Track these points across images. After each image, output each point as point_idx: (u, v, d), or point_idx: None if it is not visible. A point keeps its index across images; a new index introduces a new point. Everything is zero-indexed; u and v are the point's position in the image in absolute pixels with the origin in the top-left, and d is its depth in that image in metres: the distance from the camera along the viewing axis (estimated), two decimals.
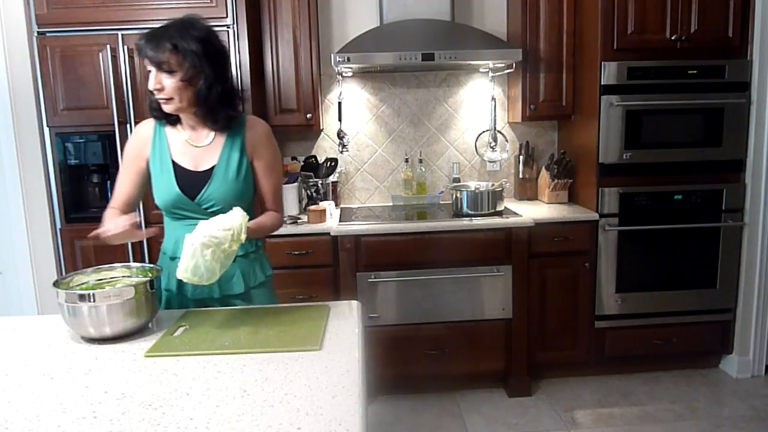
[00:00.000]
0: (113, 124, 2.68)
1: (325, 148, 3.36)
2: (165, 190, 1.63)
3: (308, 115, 3.00)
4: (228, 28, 2.66)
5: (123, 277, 1.55)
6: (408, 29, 2.90)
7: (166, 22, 1.56)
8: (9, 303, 2.87)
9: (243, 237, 1.43)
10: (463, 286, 2.81)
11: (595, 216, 2.89)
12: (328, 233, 2.76)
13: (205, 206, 1.63)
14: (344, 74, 3.24)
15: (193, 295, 1.67)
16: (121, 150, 2.68)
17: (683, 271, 2.96)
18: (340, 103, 3.20)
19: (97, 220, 2.89)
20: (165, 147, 1.65)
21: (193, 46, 1.51)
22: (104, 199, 2.82)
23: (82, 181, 2.80)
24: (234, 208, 1.48)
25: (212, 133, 1.65)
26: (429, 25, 2.94)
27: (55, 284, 1.41)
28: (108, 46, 2.63)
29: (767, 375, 3.04)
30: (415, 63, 2.77)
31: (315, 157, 3.24)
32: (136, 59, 2.67)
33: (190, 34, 1.52)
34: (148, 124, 1.70)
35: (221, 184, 1.63)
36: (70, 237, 2.76)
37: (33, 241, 2.79)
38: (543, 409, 2.80)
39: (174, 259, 1.66)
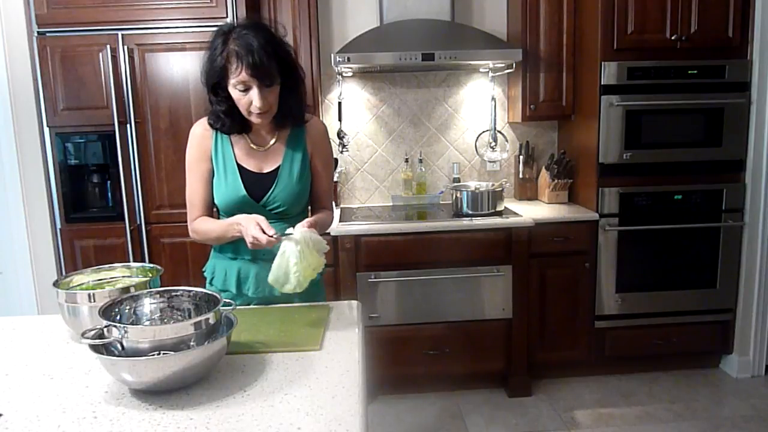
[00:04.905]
0: (113, 124, 2.67)
1: None
2: (230, 192, 1.60)
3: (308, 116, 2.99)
4: None
5: (123, 277, 1.55)
6: (408, 29, 2.90)
7: (240, 24, 1.48)
8: (9, 303, 2.87)
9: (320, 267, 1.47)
10: (463, 286, 2.81)
11: (595, 216, 2.89)
12: (328, 233, 2.76)
13: (269, 208, 1.62)
14: (344, 74, 3.24)
15: (255, 294, 1.64)
16: (122, 150, 2.70)
17: (683, 271, 2.96)
18: (340, 103, 3.20)
19: (97, 220, 2.91)
20: (228, 150, 1.62)
21: (283, 53, 1.50)
22: (104, 199, 2.82)
23: (82, 181, 2.80)
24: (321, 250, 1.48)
25: (274, 136, 1.64)
26: (429, 25, 2.94)
27: (55, 284, 1.41)
28: (108, 46, 2.63)
29: (767, 375, 3.04)
30: (415, 63, 2.76)
31: None
32: (136, 59, 2.67)
33: (276, 40, 1.49)
34: (203, 126, 1.64)
35: (286, 185, 1.62)
36: (70, 237, 2.76)
37: (33, 241, 2.79)
38: (543, 409, 2.80)
39: (236, 259, 1.65)
